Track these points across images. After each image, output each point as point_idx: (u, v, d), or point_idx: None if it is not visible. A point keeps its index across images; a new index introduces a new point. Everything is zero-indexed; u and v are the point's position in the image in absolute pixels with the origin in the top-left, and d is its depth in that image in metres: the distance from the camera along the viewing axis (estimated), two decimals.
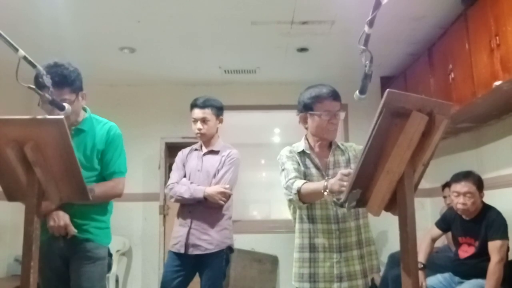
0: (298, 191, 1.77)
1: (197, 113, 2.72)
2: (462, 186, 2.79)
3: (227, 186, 2.62)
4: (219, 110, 2.77)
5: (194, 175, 2.73)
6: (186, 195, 2.61)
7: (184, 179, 2.74)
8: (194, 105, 2.76)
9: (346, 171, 1.54)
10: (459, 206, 2.81)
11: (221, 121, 2.80)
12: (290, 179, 1.84)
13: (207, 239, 2.59)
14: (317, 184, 1.72)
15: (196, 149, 2.84)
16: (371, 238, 1.97)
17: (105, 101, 4.19)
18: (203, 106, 2.72)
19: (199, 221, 2.62)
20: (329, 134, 1.94)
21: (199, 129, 2.71)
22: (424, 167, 1.24)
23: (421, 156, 1.19)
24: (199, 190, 2.60)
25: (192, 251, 2.59)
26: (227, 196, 2.61)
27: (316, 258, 1.87)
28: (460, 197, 2.80)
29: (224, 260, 2.64)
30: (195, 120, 2.73)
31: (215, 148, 2.77)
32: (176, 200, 2.69)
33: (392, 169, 1.17)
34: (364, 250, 1.92)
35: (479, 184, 2.81)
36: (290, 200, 1.89)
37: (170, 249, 2.70)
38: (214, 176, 2.68)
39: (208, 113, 2.71)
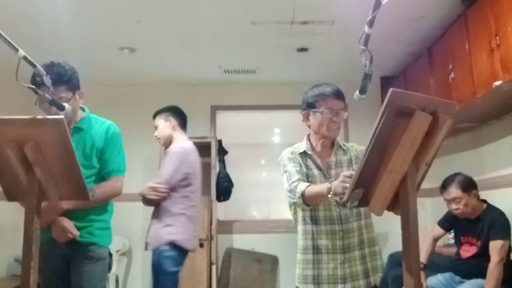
0: (302, 195, 1.76)
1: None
2: (448, 193, 2.81)
3: (159, 180, 2.62)
4: (165, 112, 2.91)
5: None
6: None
7: None
8: None
9: (348, 173, 1.53)
10: (455, 212, 2.84)
11: (168, 121, 2.88)
12: (293, 182, 1.83)
13: (151, 236, 2.66)
14: (321, 187, 1.71)
15: None
16: (374, 238, 1.96)
17: (105, 101, 4.17)
18: (153, 117, 2.94)
19: (152, 219, 2.73)
20: (331, 132, 1.93)
21: (155, 137, 2.92)
22: (427, 167, 1.24)
23: (424, 156, 1.18)
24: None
25: (147, 248, 2.69)
26: (159, 191, 2.59)
27: (320, 259, 1.87)
28: (451, 204, 2.82)
29: (162, 257, 2.58)
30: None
31: (168, 149, 2.86)
32: None
33: (395, 169, 1.16)
34: (366, 251, 1.91)
35: (465, 186, 2.77)
36: (294, 203, 1.88)
37: None
38: None
39: (156, 120, 2.92)
